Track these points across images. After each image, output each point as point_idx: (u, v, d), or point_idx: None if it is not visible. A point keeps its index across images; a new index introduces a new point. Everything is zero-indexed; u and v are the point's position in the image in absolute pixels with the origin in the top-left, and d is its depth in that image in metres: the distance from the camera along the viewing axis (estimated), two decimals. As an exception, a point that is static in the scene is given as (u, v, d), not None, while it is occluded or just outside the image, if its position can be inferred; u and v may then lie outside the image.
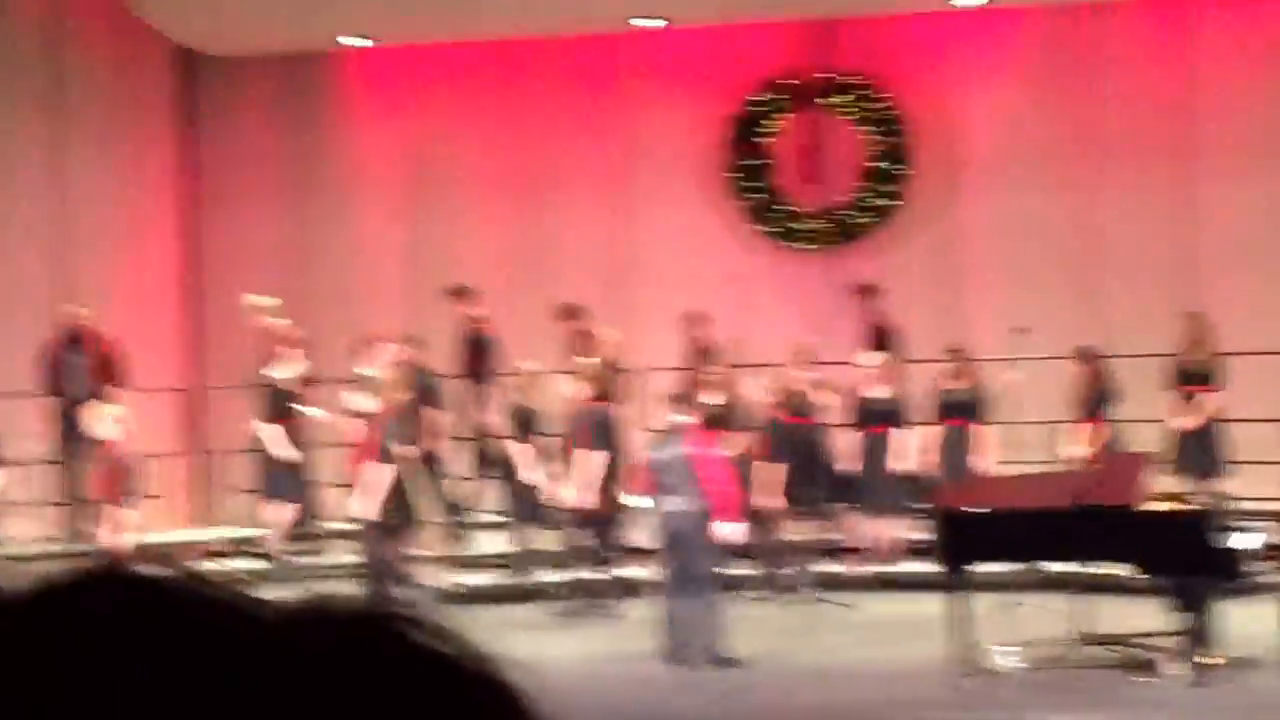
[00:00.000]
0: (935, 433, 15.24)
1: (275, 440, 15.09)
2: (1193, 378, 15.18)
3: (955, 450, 15.10)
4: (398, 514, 14.24)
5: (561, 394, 14.78)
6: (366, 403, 14.37)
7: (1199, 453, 14.93)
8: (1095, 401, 15.06)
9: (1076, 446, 14.93)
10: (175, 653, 0.88)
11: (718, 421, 15.13)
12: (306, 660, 0.89)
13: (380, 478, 13.89)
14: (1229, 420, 15.37)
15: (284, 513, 15.27)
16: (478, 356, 16.06)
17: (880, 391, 15.21)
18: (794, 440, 15.32)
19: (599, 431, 14.34)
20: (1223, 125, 16.97)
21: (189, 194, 18.50)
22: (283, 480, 15.19)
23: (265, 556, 15.49)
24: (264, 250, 18.36)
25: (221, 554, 16.19)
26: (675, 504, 11.94)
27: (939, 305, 17.35)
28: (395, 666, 0.90)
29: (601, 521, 14.45)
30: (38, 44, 16.55)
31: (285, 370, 15.27)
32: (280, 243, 18.44)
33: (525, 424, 15.10)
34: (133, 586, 0.93)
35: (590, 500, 14.24)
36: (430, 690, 0.90)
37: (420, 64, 18.24)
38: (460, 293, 16.37)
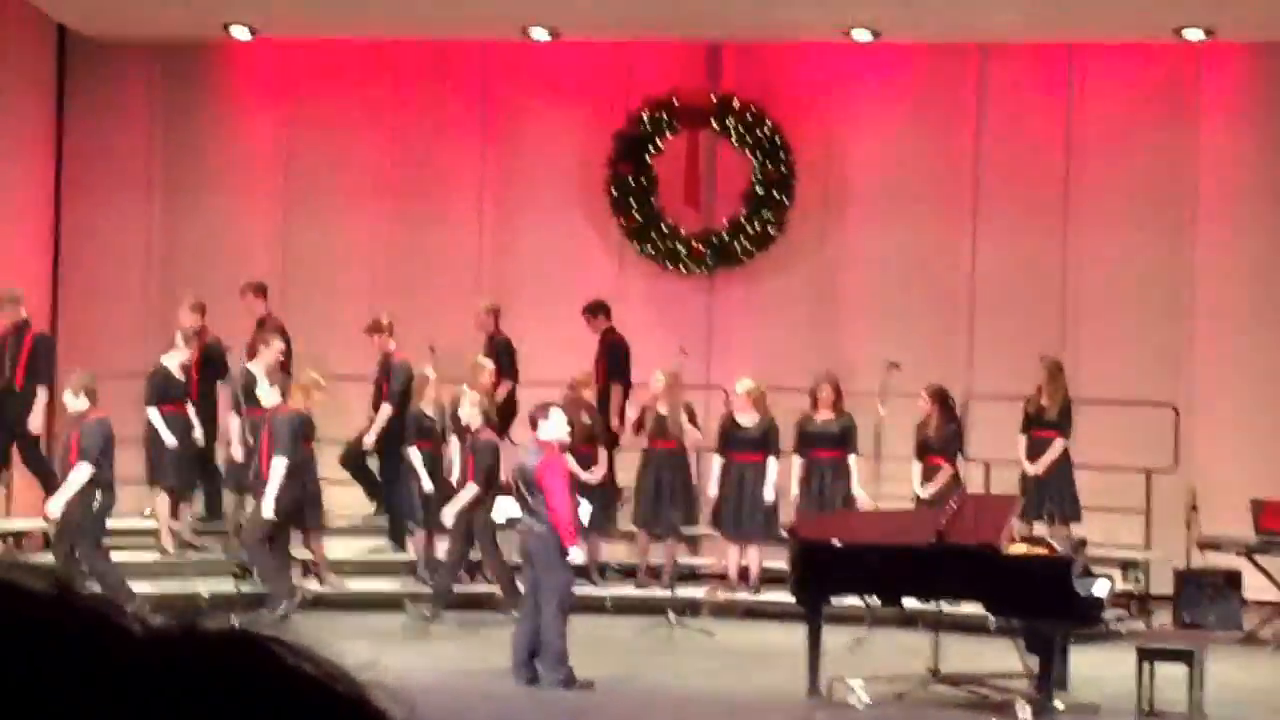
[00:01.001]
0: (801, 463, 15.24)
1: (161, 426, 14.94)
2: (1043, 423, 15.26)
3: (822, 482, 15.11)
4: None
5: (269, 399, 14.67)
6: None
7: (1048, 497, 15.02)
8: (944, 441, 15.13)
9: (923, 485, 15.01)
10: (41, 671, 0.85)
11: (587, 439, 15.13)
12: (176, 681, 0.87)
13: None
14: (1091, 467, 15.50)
15: (165, 503, 15.18)
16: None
17: (748, 419, 15.19)
18: (656, 464, 15.33)
19: (289, 439, 14.21)
20: (1098, 172, 17.15)
21: (56, 177, 18.16)
22: (168, 469, 15.06)
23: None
24: (130, 238, 18.08)
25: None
26: (526, 520, 11.93)
27: (815, 334, 17.38)
28: (267, 690, 0.89)
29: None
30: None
31: (173, 357, 15.16)
32: (148, 231, 18.17)
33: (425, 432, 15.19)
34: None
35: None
36: (301, 715, 0.89)
37: (302, 59, 18.03)
38: (251, 289, 16.23)
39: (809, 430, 15.19)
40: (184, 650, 0.89)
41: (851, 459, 15.14)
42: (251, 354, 15.45)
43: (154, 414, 14.96)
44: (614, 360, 16.10)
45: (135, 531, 15.49)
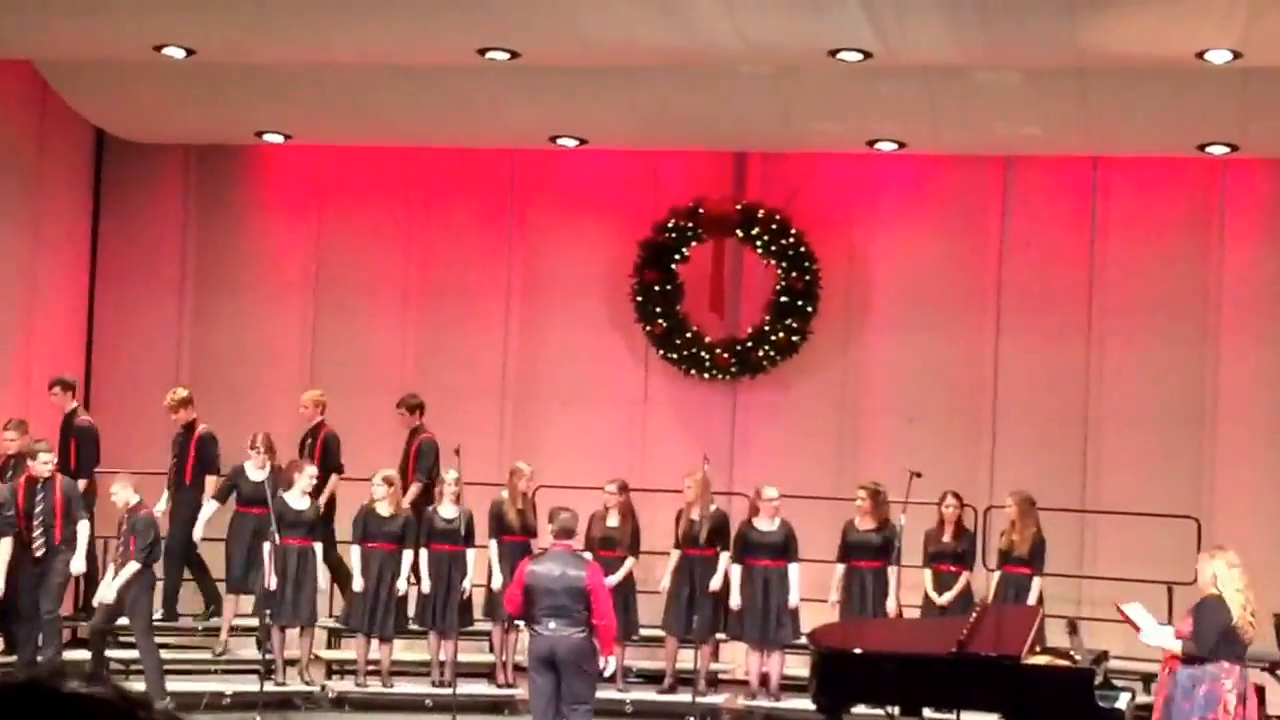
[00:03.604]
0: (843, 571, 15.18)
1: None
2: (1013, 559, 15.02)
3: (863, 591, 15.05)
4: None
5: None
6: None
7: None
8: (957, 549, 15.07)
9: (938, 592, 14.95)
10: None
11: (609, 544, 15.14)
12: None
13: None
14: (1112, 578, 15.47)
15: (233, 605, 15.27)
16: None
17: (768, 524, 15.18)
18: (689, 569, 15.29)
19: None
20: (1121, 283, 17.22)
21: (90, 274, 18.36)
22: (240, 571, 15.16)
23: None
24: (162, 336, 18.23)
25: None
26: (557, 626, 11.59)
27: (838, 442, 17.43)
28: None
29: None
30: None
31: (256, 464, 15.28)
32: (179, 329, 18.32)
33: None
34: (71, 709, 0.91)
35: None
36: None
37: (334, 163, 18.24)
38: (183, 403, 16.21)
39: (850, 539, 15.17)
40: None
41: (890, 570, 15.08)
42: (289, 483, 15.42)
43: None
44: (426, 459, 16.01)
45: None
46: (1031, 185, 17.43)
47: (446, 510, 15.25)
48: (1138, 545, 16.14)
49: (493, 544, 15.31)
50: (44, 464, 14.42)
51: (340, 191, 18.29)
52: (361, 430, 16.77)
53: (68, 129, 17.60)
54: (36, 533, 14.35)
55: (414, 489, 15.76)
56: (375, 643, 15.16)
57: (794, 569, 15.07)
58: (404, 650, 15.99)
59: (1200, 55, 13.61)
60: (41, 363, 17.23)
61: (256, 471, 15.20)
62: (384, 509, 15.01)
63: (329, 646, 16.21)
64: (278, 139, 17.62)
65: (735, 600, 15.13)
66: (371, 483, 15.13)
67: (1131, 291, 17.19)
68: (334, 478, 16.00)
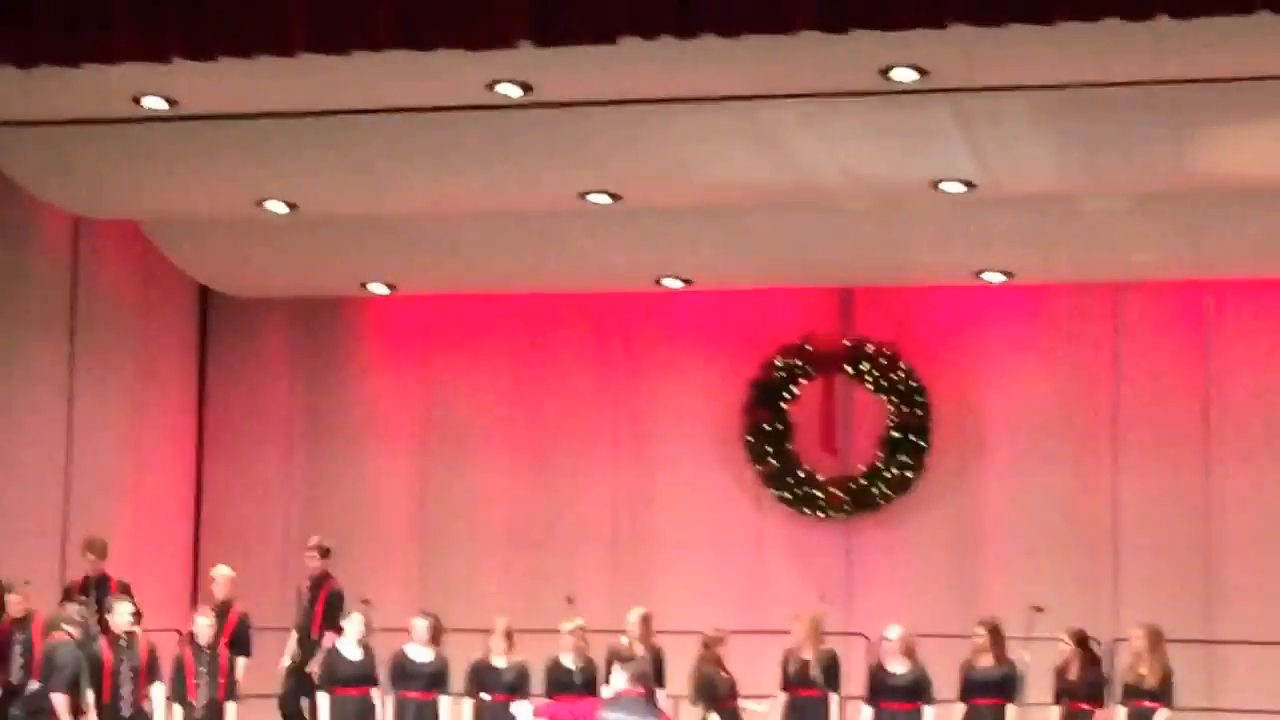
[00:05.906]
0: (961, 711, 14.83)
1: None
2: (1141, 693, 14.50)
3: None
4: None
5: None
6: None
7: None
8: (1087, 685, 14.65)
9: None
10: None
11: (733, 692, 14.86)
12: None
13: None
14: (1239, 710, 15.11)
15: None
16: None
17: (899, 665, 14.86)
18: (800, 711, 15.00)
19: None
20: (1240, 410, 16.95)
21: (198, 433, 18.43)
22: None
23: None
24: (272, 493, 18.25)
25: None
26: None
27: (956, 578, 17.15)
28: None
29: None
30: (59, 272, 16.49)
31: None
32: (289, 486, 18.35)
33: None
34: None
35: None
36: None
37: (437, 313, 18.29)
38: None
39: (971, 677, 14.83)
40: None
41: (1010, 709, 14.68)
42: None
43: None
44: (332, 608, 15.15)
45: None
46: (1143, 312, 17.21)
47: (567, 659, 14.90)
48: (1268, 675, 15.73)
49: (607, 691, 14.98)
50: (124, 614, 13.94)
51: (447, 340, 18.31)
52: (471, 580, 16.63)
53: (172, 286, 17.74)
54: (124, 690, 13.89)
55: (329, 638, 14.77)
56: None
57: (929, 712, 14.69)
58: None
59: (1311, 175, 13.45)
60: (150, 522, 17.27)
61: (353, 649, 14.73)
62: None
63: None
64: (382, 290, 17.69)
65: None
66: (492, 634, 14.70)
67: (1249, 416, 16.91)
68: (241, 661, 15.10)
